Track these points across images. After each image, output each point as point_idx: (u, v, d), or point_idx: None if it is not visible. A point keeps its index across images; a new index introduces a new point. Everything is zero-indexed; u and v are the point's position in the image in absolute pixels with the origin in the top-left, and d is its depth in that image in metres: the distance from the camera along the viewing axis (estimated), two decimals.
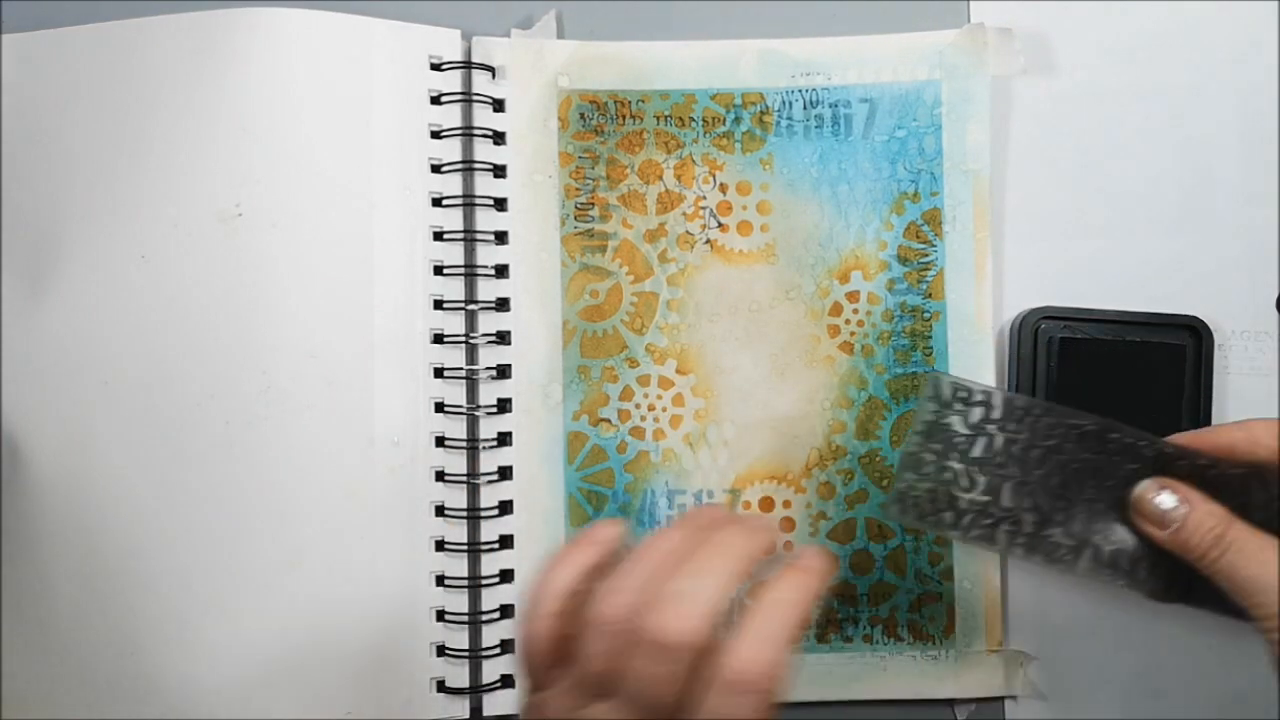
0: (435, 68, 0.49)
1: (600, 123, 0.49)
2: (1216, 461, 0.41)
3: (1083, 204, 0.50)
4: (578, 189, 0.49)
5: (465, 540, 0.48)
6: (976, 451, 0.41)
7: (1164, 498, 0.40)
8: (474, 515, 0.48)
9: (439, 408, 0.48)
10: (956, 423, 0.42)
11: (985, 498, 0.41)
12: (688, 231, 0.49)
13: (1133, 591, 0.42)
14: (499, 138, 0.49)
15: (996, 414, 0.42)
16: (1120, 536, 0.41)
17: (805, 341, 0.49)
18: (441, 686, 0.48)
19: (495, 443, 0.48)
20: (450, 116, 0.49)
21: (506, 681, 0.48)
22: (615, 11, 0.50)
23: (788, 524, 0.49)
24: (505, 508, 0.48)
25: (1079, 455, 0.41)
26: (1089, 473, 0.41)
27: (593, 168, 0.49)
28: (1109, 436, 0.41)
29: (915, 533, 0.49)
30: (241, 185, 0.47)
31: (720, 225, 0.49)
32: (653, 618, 0.33)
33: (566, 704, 0.35)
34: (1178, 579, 0.42)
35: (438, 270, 0.48)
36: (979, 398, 0.42)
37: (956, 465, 0.41)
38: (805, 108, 0.49)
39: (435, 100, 0.49)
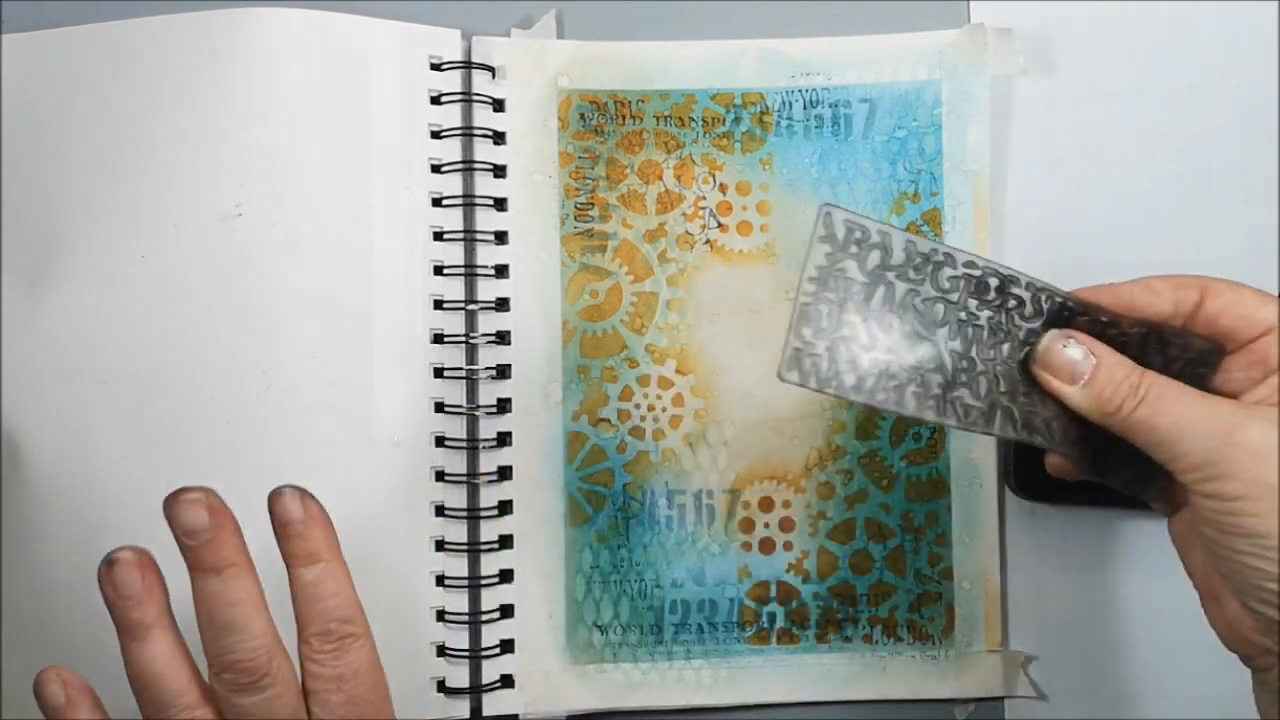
0: (435, 68, 0.49)
1: (600, 123, 0.49)
2: (1117, 319, 0.39)
3: (1083, 204, 0.50)
4: (578, 189, 0.49)
5: (465, 540, 0.48)
6: (875, 303, 0.37)
7: (1072, 349, 0.38)
8: (474, 515, 0.48)
9: (439, 408, 0.48)
10: (852, 269, 0.37)
11: (888, 356, 0.37)
12: (688, 231, 0.49)
13: (1055, 454, 0.40)
14: (499, 138, 0.49)
15: (896, 259, 0.38)
16: (1028, 398, 0.39)
17: None
18: (441, 686, 0.48)
19: (495, 443, 0.48)
20: (450, 116, 0.49)
21: (506, 681, 0.48)
22: (615, 11, 0.50)
23: (788, 524, 0.49)
24: (505, 508, 0.48)
25: (979, 311, 0.38)
26: (991, 330, 0.38)
27: (593, 168, 0.49)
28: (1010, 291, 0.38)
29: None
30: (241, 185, 0.47)
31: (720, 225, 0.49)
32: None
33: None
34: (1087, 446, 0.39)
35: (438, 270, 0.48)
36: (876, 238, 0.37)
37: (855, 319, 0.37)
38: (805, 108, 0.49)
39: (435, 100, 0.49)
